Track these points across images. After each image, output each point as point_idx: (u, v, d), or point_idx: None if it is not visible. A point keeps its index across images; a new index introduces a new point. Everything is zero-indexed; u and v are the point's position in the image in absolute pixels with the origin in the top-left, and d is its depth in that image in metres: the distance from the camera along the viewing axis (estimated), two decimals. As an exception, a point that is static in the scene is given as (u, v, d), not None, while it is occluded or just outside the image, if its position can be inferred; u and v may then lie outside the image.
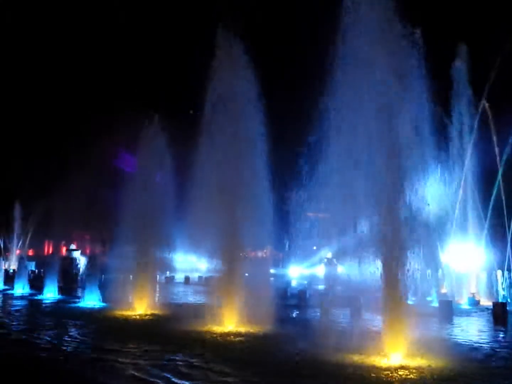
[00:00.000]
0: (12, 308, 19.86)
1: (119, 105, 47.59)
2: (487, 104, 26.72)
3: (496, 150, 26.27)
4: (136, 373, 8.95)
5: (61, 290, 24.36)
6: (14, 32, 60.11)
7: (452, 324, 17.02)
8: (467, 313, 20.35)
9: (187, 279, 36.88)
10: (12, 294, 25.69)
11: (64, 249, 41.51)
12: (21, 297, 24.03)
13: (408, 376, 9.07)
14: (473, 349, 12.35)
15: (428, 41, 11.44)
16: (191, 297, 25.98)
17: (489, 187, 26.43)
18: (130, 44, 60.56)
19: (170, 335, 12.99)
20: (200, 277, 38.36)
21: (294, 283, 39.10)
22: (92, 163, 44.20)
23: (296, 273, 50.43)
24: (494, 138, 26.46)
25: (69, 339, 12.52)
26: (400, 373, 9.25)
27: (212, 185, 15.19)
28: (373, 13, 10.91)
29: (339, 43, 11.05)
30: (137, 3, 64.67)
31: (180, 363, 9.78)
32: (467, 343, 13.08)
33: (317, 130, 11.85)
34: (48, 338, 12.58)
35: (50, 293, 23.76)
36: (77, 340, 12.43)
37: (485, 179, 26.88)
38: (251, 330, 13.65)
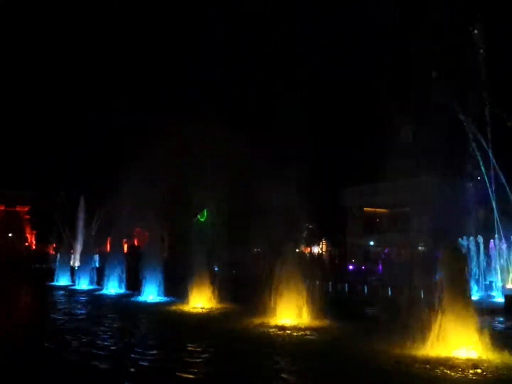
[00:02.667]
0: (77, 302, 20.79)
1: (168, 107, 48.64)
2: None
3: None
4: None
5: (124, 285, 25.21)
6: (42, 36, 62.27)
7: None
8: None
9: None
10: (77, 289, 26.93)
11: (126, 246, 42.83)
12: (85, 292, 25.14)
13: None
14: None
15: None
16: (247, 293, 26.20)
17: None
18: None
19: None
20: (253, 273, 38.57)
21: (351, 278, 38.62)
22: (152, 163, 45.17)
23: (352, 267, 49.88)
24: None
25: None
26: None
27: (269, 181, 15.38)
28: None
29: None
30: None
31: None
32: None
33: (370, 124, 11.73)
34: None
35: (113, 288, 24.67)
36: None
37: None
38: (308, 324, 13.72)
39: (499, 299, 21.03)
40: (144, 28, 64.46)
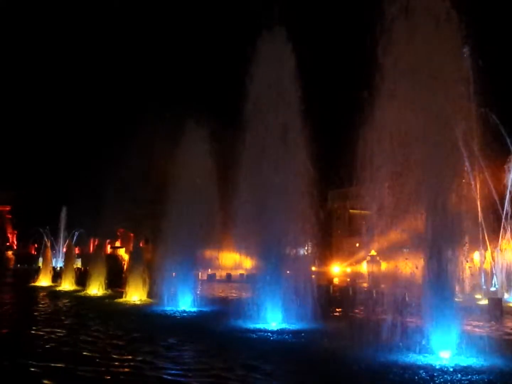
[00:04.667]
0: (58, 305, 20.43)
1: (157, 106, 48.37)
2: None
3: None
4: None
5: (106, 286, 24.86)
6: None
7: (502, 323, 16.39)
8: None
9: (229, 277, 37.06)
10: (59, 290, 26.49)
11: (109, 247, 42.45)
12: (66, 293, 24.74)
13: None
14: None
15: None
16: (232, 294, 26.04)
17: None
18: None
19: (214, 333, 13.02)
20: (241, 275, 38.50)
21: (336, 281, 38.71)
22: (136, 164, 45.03)
23: (338, 270, 49.98)
24: None
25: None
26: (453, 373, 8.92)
27: (254, 184, 15.18)
28: None
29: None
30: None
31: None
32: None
33: (357, 129, 11.66)
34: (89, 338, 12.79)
35: (95, 290, 24.32)
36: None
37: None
38: (293, 328, 13.54)
39: (483, 301, 21.09)
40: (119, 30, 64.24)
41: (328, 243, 63.62)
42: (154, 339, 12.05)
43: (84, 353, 10.28)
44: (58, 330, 13.10)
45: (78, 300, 21.75)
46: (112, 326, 14.03)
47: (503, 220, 25.82)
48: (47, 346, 10.95)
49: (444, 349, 9.86)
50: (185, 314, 16.84)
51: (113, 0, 61.22)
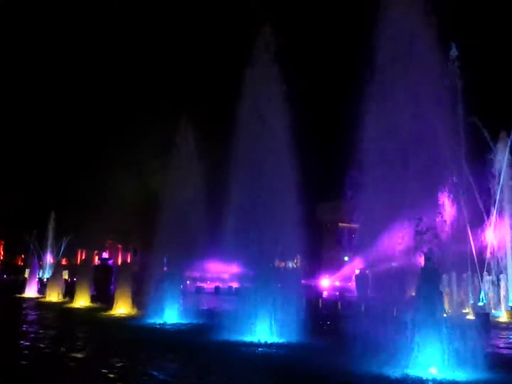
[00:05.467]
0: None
1: (147, 118, 48.44)
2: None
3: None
4: None
5: (93, 298, 24.60)
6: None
7: (489, 338, 16.42)
8: (503, 326, 19.65)
9: (217, 289, 36.84)
10: (44, 302, 26.12)
11: (96, 258, 42.10)
12: (52, 305, 24.40)
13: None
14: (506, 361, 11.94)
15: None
16: (221, 307, 25.85)
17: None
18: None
19: (198, 346, 12.90)
20: (230, 287, 38.30)
21: (325, 294, 38.61)
22: (124, 175, 44.92)
23: (327, 284, 49.91)
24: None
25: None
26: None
27: (243, 196, 15.18)
28: None
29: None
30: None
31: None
32: (503, 356, 12.62)
33: (351, 144, 11.76)
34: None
35: (82, 302, 24.02)
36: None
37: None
38: (283, 341, 13.46)
39: (470, 316, 21.14)
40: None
41: (317, 256, 63.63)
42: (132, 355, 11.90)
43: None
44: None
45: (62, 313, 21.46)
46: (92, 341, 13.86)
47: (491, 234, 26.02)
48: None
49: (432, 363, 9.85)
50: (170, 327, 16.64)
51: (102, 6, 61.38)
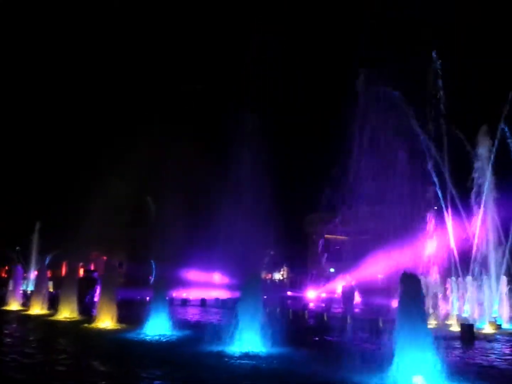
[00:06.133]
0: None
1: (133, 130, 48.53)
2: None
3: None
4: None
5: (77, 311, 24.35)
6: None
7: (474, 349, 16.59)
8: (488, 338, 19.82)
9: (203, 301, 36.64)
10: (27, 315, 25.81)
11: (81, 270, 41.74)
12: (34, 318, 24.12)
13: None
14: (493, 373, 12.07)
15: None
16: (207, 319, 25.76)
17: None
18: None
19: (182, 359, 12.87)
20: (216, 299, 38.13)
21: (311, 306, 38.60)
22: (109, 187, 44.79)
23: (313, 295, 49.89)
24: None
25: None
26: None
27: (229, 208, 15.32)
28: None
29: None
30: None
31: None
32: (486, 367, 12.77)
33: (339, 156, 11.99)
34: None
35: (66, 314, 23.78)
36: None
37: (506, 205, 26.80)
38: (269, 352, 13.49)
39: (455, 328, 21.33)
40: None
41: (304, 267, 63.65)
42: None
43: None
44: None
45: (43, 326, 21.22)
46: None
47: (474, 247, 26.30)
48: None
49: (416, 374, 9.95)
50: (155, 340, 16.54)
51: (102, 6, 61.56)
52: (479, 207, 26.30)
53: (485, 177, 26.35)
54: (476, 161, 26.53)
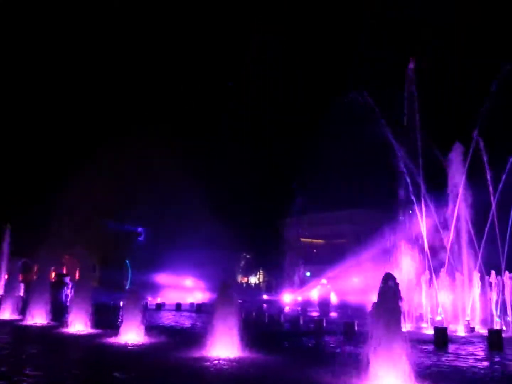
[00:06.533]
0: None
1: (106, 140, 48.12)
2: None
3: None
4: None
5: (49, 315, 23.81)
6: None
7: (447, 352, 16.74)
8: (462, 341, 20.07)
9: (178, 306, 36.32)
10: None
11: (53, 274, 40.93)
12: (3, 324, 23.50)
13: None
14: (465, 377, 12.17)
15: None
16: (182, 324, 25.49)
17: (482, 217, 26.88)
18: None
19: (157, 364, 12.67)
20: (191, 304, 37.85)
21: (287, 310, 38.61)
22: (83, 189, 44.20)
23: (289, 299, 49.92)
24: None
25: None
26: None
27: (205, 210, 15.17)
28: None
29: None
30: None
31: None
32: (460, 371, 12.87)
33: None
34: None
35: (37, 319, 23.22)
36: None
37: (478, 210, 27.28)
38: (243, 357, 13.37)
39: (429, 331, 21.54)
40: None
41: (280, 271, 63.68)
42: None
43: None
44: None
45: (12, 331, 20.68)
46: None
47: (448, 250, 26.64)
48: None
49: (389, 377, 9.97)
50: (129, 345, 16.24)
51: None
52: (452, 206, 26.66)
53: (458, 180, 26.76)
54: (449, 166, 26.91)
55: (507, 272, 24.84)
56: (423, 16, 52.09)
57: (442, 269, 26.39)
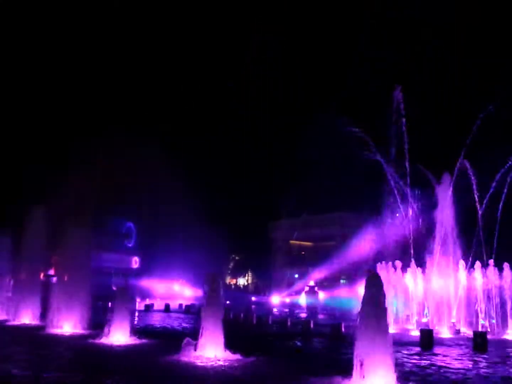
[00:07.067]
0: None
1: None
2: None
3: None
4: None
5: (38, 315, 23.74)
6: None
7: (433, 354, 16.96)
8: (447, 343, 20.34)
9: (167, 307, 36.30)
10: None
11: (41, 274, 40.70)
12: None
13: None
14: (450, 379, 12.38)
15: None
16: (171, 325, 25.54)
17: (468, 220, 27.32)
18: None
19: (147, 367, 12.73)
20: (180, 305, 37.87)
21: (275, 311, 38.75)
22: (71, 188, 44.04)
23: (277, 300, 50.08)
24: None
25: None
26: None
27: (194, 212, 15.27)
28: None
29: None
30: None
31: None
32: (445, 373, 13.08)
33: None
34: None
35: (26, 319, 23.17)
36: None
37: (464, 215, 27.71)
38: (231, 358, 13.49)
39: (415, 332, 21.77)
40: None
41: (268, 273, 63.82)
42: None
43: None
44: None
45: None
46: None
47: (434, 250, 26.90)
48: None
49: (375, 377, 10.12)
50: (117, 347, 16.27)
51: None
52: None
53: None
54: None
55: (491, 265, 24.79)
56: (423, 16, 52.43)
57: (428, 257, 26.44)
